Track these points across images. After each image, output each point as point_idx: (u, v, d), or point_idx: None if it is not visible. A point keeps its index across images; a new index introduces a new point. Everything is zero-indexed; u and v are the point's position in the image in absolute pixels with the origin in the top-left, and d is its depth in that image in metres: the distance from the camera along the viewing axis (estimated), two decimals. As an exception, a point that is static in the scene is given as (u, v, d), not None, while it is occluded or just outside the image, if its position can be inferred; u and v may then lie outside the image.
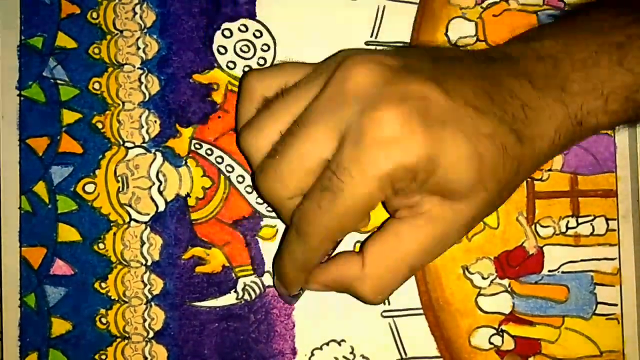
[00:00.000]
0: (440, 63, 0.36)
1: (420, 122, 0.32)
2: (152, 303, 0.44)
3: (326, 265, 0.39)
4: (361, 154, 0.32)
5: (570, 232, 0.46)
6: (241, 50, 0.45)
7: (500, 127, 0.34)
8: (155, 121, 0.45)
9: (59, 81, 0.44)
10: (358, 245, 0.45)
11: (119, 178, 0.44)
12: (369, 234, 0.45)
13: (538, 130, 0.36)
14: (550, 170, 0.46)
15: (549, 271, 0.45)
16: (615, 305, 0.46)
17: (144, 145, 0.44)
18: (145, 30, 0.45)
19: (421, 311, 0.45)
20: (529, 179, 0.45)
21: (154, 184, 0.44)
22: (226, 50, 0.45)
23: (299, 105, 0.36)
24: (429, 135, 0.32)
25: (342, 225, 0.34)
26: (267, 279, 0.45)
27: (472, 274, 0.45)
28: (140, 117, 0.44)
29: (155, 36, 0.45)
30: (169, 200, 0.44)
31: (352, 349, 0.45)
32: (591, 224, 0.46)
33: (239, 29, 0.45)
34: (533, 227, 0.46)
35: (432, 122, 0.33)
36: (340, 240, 0.38)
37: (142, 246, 0.44)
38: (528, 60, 0.37)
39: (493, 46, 0.41)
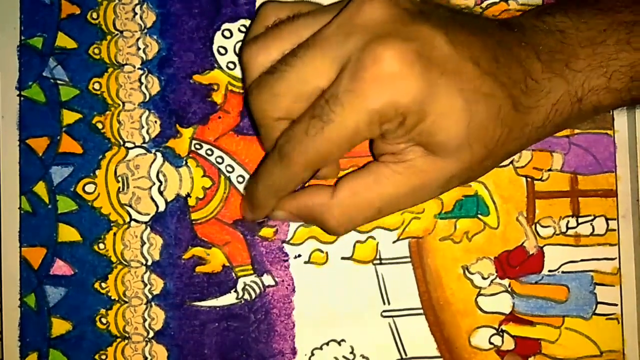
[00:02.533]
0: (457, 17, 0.36)
1: (420, 65, 0.33)
2: (152, 303, 0.44)
3: (296, 193, 0.39)
4: (356, 87, 0.33)
5: (570, 232, 0.46)
6: (241, 50, 0.45)
7: (499, 90, 0.34)
8: (156, 121, 0.45)
9: (59, 81, 0.44)
10: (358, 244, 0.45)
11: (119, 178, 0.44)
12: (367, 234, 0.45)
13: (535, 102, 0.36)
14: (550, 170, 0.46)
15: (549, 271, 0.45)
16: (615, 305, 0.46)
17: (144, 145, 0.44)
18: (146, 31, 0.45)
19: (421, 311, 0.45)
20: (528, 179, 0.45)
21: (154, 184, 0.44)
22: (226, 50, 0.45)
23: (307, 30, 0.36)
24: (425, 80, 0.33)
25: (325, 155, 0.34)
26: (267, 279, 0.45)
27: (472, 274, 0.45)
28: (141, 117, 0.44)
29: (155, 37, 0.45)
30: (169, 200, 0.44)
31: (352, 348, 0.45)
32: (591, 224, 0.46)
33: (239, 30, 0.45)
34: (533, 227, 0.46)
35: (432, 68, 0.33)
36: (317, 171, 0.38)
37: (142, 246, 0.44)
38: (538, 33, 0.37)
39: (509, 17, 0.41)
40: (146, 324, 0.44)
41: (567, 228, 0.46)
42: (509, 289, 0.45)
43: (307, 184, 0.41)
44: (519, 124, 0.36)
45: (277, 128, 0.36)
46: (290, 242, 0.45)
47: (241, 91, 0.45)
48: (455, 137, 0.34)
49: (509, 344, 0.45)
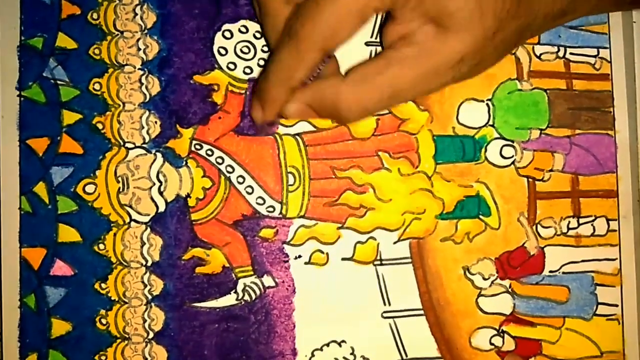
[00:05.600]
0: None
1: None
2: (152, 304, 0.44)
3: (307, 85, 0.39)
4: None
5: (571, 232, 0.46)
6: (241, 51, 0.45)
7: None
8: (156, 122, 0.44)
9: (59, 82, 0.44)
10: (359, 245, 0.45)
11: (120, 178, 0.44)
12: (367, 235, 0.45)
13: None
14: (551, 170, 0.46)
15: (550, 272, 0.45)
16: (616, 305, 0.46)
17: (145, 145, 0.44)
18: (146, 31, 0.45)
19: (422, 312, 0.45)
20: (530, 179, 0.45)
21: (154, 184, 0.44)
22: (227, 51, 0.45)
23: None
24: None
25: (335, 29, 0.34)
26: (268, 280, 0.44)
27: (473, 274, 0.45)
28: (141, 117, 0.44)
29: (155, 37, 0.45)
30: (169, 200, 0.44)
31: (353, 349, 0.45)
32: (592, 225, 0.46)
33: (240, 30, 0.45)
34: (534, 227, 0.46)
35: None
36: (326, 60, 0.38)
37: (142, 247, 0.44)
38: None
39: None
40: (146, 325, 0.44)
41: (568, 228, 0.46)
42: (510, 290, 0.45)
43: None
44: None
45: (283, 13, 0.36)
46: (291, 242, 0.45)
47: (242, 92, 0.45)
48: (468, 6, 0.34)
49: (509, 345, 0.45)
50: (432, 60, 0.36)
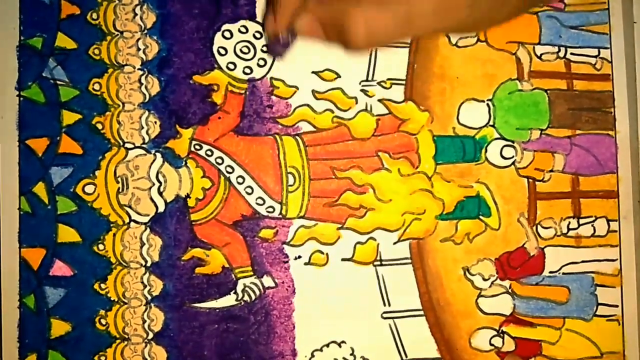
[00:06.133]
0: None
1: None
2: (152, 304, 0.44)
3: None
4: None
5: (571, 233, 0.46)
6: (241, 51, 0.45)
7: None
8: (155, 122, 0.44)
9: (58, 82, 0.44)
10: (359, 245, 0.45)
11: (119, 179, 0.44)
12: (367, 236, 0.45)
13: None
14: (551, 171, 0.46)
15: (550, 272, 0.45)
16: (616, 306, 0.46)
17: (144, 146, 0.44)
18: (146, 32, 0.45)
19: (422, 312, 0.45)
20: (530, 180, 0.45)
21: (153, 184, 0.44)
22: (226, 51, 0.45)
23: None
24: None
25: None
26: (267, 280, 0.44)
27: (473, 275, 0.45)
28: (141, 118, 0.44)
29: (155, 37, 0.45)
30: (168, 201, 0.44)
31: (352, 350, 0.45)
32: (592, 225, 0.46)
33: (239, 30, 0.45)
34: (534, 228, 0.45)
35: None
36: None
37: (141, 247, 0.44)
38: None
39: None
40: (146, 325, 0.44)
41: (568, 229, 0.46)
42: (510, 290, 0.45)
43: None
44: None
45: None
46: (291, 243, 0.45)
47: (241, 92, 0.45)
48: None
49: (509, 345, 0.45)
50: None
